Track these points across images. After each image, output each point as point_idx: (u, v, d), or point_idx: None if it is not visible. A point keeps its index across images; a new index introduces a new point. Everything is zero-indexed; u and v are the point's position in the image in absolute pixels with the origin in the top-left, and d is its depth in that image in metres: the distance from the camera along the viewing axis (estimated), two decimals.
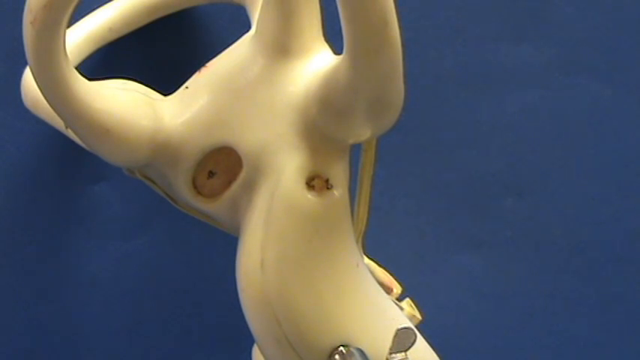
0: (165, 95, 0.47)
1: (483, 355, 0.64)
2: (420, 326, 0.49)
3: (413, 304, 0.52)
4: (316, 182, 0.43)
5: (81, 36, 0.57)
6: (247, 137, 0.44)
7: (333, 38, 0.44)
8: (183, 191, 0.46)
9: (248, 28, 0.48)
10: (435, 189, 0.63)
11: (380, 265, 0.53)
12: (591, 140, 0.64)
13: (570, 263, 0.64)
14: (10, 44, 0.50)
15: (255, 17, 0.49)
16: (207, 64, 0.47)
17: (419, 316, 0.51)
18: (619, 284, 0.64)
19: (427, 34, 0.63)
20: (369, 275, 0.47)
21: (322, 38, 0.45)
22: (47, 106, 0.43)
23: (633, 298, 0.64)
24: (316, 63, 0.44)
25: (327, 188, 0.43)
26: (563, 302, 0.64)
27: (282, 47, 0.44)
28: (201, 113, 0.45)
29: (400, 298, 0.52)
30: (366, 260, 0.50)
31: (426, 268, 0.63)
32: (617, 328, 0.64)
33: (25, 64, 0.43)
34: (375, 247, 0.51)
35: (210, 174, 0.45)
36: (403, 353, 0.44)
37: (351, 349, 0.43)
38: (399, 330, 0.44)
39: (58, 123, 0.50)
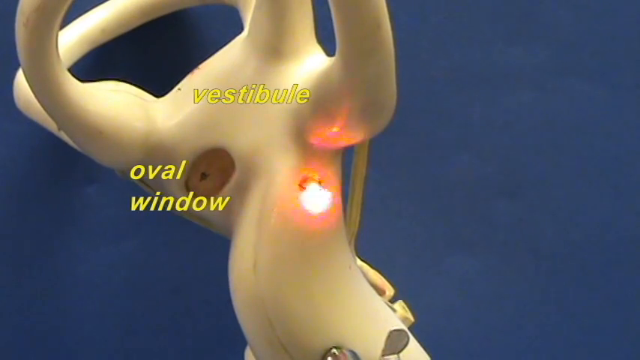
0: (157, 97, 0.47)
1: (476, 357, 0.64)
2: (412, 328, 0.49)
3: (405, 306, 0.52)
4: (309, 184, 0.43)
5: (73, 37, 0.57)
6: (240, 139, 0.44)
7: (326, 40, 0.44)
8: (176, 193, 0.46)
9: (241, 29, 0.48)
10: (428, 191, 0.63)
11: (372, 267, 0.53)
12: (585, 142, 0.64)
13: (564, 266, 0.64)
14: (3, 46, 0.50)
15: (247, 19, 0.49)
16: (200, 66, 0.47)
17: (411, 318, 0.51)
18: (613, 287, 0.64)
19: (420, 35, 0.63)
20: (362, 277, 0.47)
21: (315, 40, 0.45)
22: (40, 107, 0.43)
23: (627, 300, 0.64)
24: (309, 65, 0.44)
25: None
26: (557, 305, 0.64)
27: (274, 49, 0.44)
28: (194, 115, 0.45)
29: (393, 300, 0.52)
30: (359, 262, 0.50)
31: (419, 270, 0.63)
32: (612, 331, 0.64)
33: (17, 66, 0.43)
34: (367, 249, 0.51)
35: (203, 176, 0.45)
36: (396, 355, 0.44)
37: (344, 351, 0.43)
38: (391, 332, 0.44)
39: (50, 125, 0.50)
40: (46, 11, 0.39)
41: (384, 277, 0.53)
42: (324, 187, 0.43)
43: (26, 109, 0.56)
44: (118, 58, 0.62)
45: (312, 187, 0.43)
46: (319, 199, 0.43)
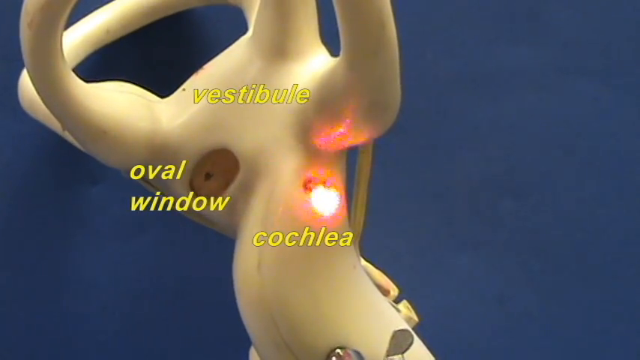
0: (162, 97, 0.47)
1: (480, 357, 0.64)
2: (417, 328, 0.49)
3: (410, 306, 0.52)
4: (313, 184, 0.43)
5: (78, 38, 0.57)
6: (244, 139, 0.44)
7: (330, 40, 0.44)
8: (181, 193, 0.46)
9: (245, 30, 0.48)
10: (433, 191, 0.63)
11: (377, 267, 0.53)
12: (589, 142, 0.64)
13: (568, 265, 0.64)
14: (7, 46, 0.50)
15: (252, 19, 0.49)
16: (205, 66, 0.47)
17: (416, 318, 0.51)
18: (618, 287, 0.64)
19: (424, 36, 0.63)
20: (366, 277, 0.47)
21: (319, 40, 0.45)
22: (44, 108, 0.43)
23: (632, 300, 0.64)
24: (313, 65, 0.44)
25: None
26: (561, 304, 0.64)
27: (279, 49, 0.44)
28: (199, 115, 0.45)
29: (397, 300, 0.52)
30: (363, 262, 0.50)
31: (423, 270, 0.63)
32: (617, 330, 0.64)
33: (22, 66, 0.43)
34: (372, 249, 0.51)
35: (208, 176, 0.45)
36: (400, 355, 0.44)
37: (348, 351, 0.43)
38: (396, 332, 0.44)
39: (55, 125, 0.50)
40: (51, 11, 0.39)
41: (389, 277, 0.53)
42: (328, 188, 0.43)
43: (31, 109, 0.56)
44: (123, 58, 0.62)
45: (319, 190, 0.43)
46: (328, 200, 0.43)
